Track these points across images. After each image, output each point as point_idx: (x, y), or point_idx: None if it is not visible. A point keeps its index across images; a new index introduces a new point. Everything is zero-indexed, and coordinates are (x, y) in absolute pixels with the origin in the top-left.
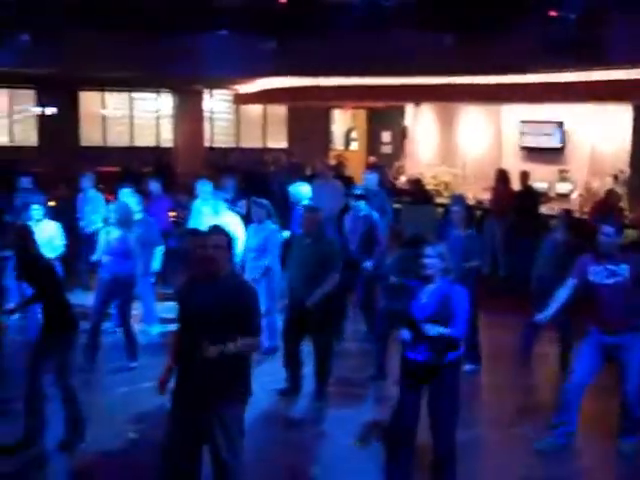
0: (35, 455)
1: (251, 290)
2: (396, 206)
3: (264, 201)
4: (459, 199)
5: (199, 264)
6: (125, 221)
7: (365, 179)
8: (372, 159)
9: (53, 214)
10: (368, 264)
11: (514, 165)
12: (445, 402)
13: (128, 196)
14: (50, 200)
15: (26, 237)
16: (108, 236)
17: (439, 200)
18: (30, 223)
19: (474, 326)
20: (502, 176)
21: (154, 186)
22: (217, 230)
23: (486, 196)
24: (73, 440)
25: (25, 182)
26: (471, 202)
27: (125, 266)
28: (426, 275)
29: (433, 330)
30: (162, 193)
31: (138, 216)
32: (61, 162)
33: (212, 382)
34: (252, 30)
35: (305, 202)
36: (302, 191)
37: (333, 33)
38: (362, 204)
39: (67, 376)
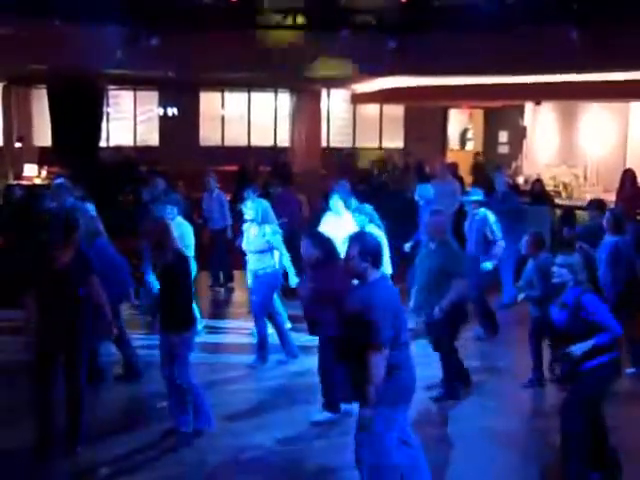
0: None
1: None
2: None
3: (367, 208)
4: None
5: None
6: (264, 217)
7: (496, 182)
8: (479, 158)
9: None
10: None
11: None
12: None
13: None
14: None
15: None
16: (248, 233)
17: (557, 201)
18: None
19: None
20: (629, 176)
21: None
22: None
23: (609, 197)
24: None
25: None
26: None
27: (265, 263)
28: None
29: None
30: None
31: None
32: (180, 162)
33: None
34: (373, 30)
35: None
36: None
37: (454, 32)
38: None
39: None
